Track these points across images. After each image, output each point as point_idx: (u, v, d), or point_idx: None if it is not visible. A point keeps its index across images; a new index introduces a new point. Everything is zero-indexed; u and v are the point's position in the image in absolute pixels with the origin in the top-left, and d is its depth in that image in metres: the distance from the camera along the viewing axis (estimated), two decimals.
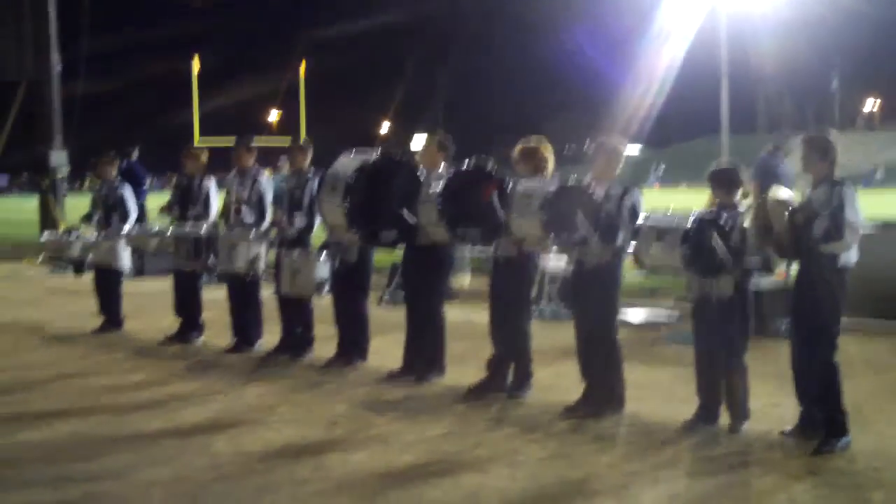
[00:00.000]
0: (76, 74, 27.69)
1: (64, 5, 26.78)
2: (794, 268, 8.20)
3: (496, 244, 9.74)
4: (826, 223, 7.55)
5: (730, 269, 8.11)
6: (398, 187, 9.97)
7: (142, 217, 21.58)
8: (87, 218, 13.97)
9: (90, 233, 13.95)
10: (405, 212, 9.85)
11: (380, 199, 9.91)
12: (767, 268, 8.37)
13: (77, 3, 27.85)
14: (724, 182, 8.45)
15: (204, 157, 12.90)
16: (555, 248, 9.49)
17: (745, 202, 8.38)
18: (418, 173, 10.09)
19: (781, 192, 8.08)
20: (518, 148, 9.73)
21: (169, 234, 12.56)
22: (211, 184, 12.62)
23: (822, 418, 7.83)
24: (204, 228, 12.13)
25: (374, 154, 10.16)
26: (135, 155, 22.88)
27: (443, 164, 10.26)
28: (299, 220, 11.18)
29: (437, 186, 9.62)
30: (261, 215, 11.74)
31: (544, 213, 8.74)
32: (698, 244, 8.08)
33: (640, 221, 8.54)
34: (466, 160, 9.95)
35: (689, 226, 8.12)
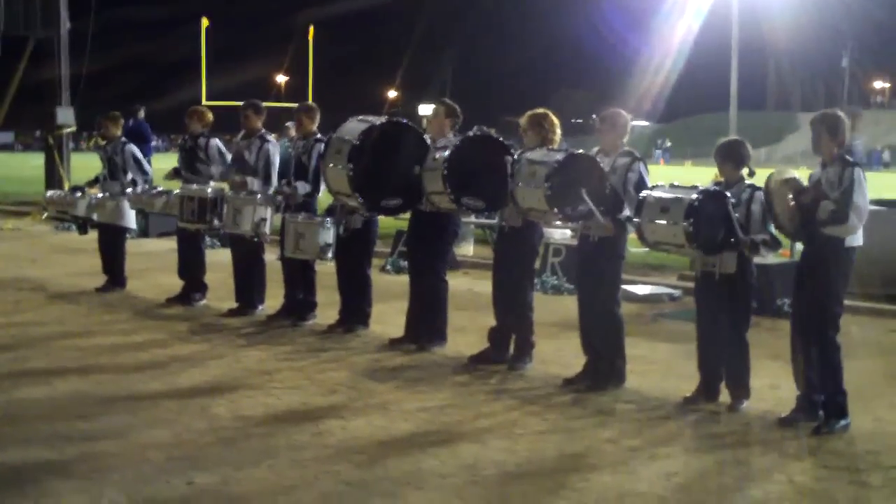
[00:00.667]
0: (84, 37, 27.56)
1: None
2: (799, 247, 8.17)
3: (501, 213, 9.72)
4: (832, 205, 7.51)
5: (735, 246, 8.08)
6: (405, 153, 9.90)
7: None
8: (93, 181, 13.93)
9: (95, 191, 13.89)
10: (416, 168, 9.72)
11: (385, 164, 9.85)
12: (774, 245, 8.33)
13: None
14: (730, 157, 8.40)
15: (209, 116, 12.84)
16: (558, 221, 9.44)
17: (749, 179, 8.33)
18: (425, 138, 10.05)
19: (787, 172, 8.03)
20: (527, 115, 9.69)
21: (175, 193, 12.49)
22: (218, 142, 12.59)
23: (822, 399, 7.82)
24: (210, 189, 12.05)
25: (380, 119, 10.10)
26: (141, 114, 22.85)
27: (450, 132, 10.22)
28: (302, 187, 11.12)
29: (444, 153, 9.56)
30: (267, 178, 11.69)
31: (549, 186, 8.68)
32: (703, 219, 8.04)
33: (643, 194, 8.48)
34: (473, 129, 9.92)
35: (693, 199, 8.07)
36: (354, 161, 9.65)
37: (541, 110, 9.68)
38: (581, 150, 9.25)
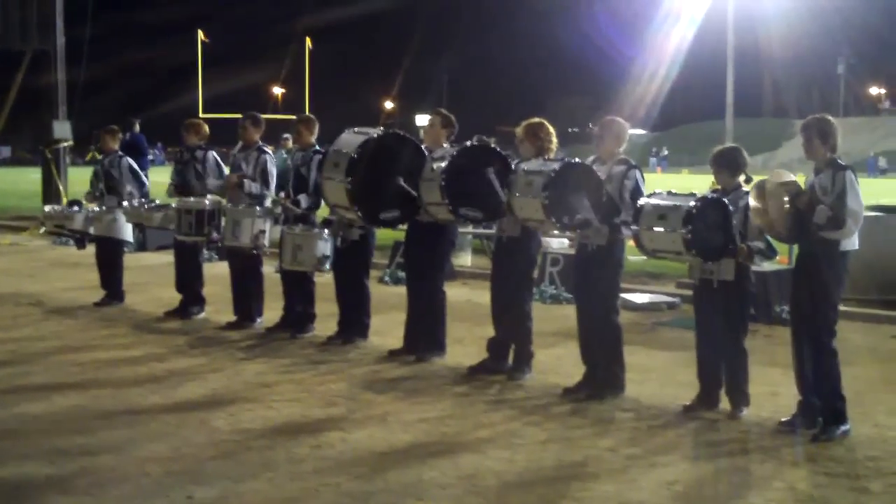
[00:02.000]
0: (80, 50, 27.60)
1: None
2: (794, 254, 8.18)
3: (499, 223, 9.72)
4: (827, 210, 7.52)
5: (733, 252, 8.09)
6: (402, 164, 9.90)
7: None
8: (90, 195, 13.92)
9: (92, 206, 13.89)
10: (401, 181, 9.73)
11: (383, 176, 9.85)
12: (770, 253, 8.34)
13: None
14: (726, 164, 8.41)
15: (205, 129, 12.85)
16: (556, 230, 9.44)
17: (746, 186, 8.34)
18: (422, 148, 10.06)
19: (784, 175, 8.03)
20: (522, 125, 9.70)
21: (173, 206, 12.46)
22: (214, 154, 12.60)
23: (821, 406, 7.82)
24: (208, 201, 12.04)
25: (377, 131, 10.10)
26: (137, 127, 22.86)
27: (446, 141, 10.23)
28: (304, 200, 11.11)
29: (441, 163, 9.55)
30: (265, 190, 11.69)
31: (546, 195, 8.68)
32: (701, 226, 8.04)
33: (641, 202, 8.49)
34: (471, 140, 9.92)
35: (691, 206, 8.08)
36: (352, 174, 9.65)
37: (536, 120, 9.69)
38: (577, 159, 9.26)
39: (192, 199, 12.18)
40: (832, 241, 7.63)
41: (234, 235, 11.61)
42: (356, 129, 10.14)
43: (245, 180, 11.39)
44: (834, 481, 6.87)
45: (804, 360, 7.88)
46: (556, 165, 8.85)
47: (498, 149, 9.75)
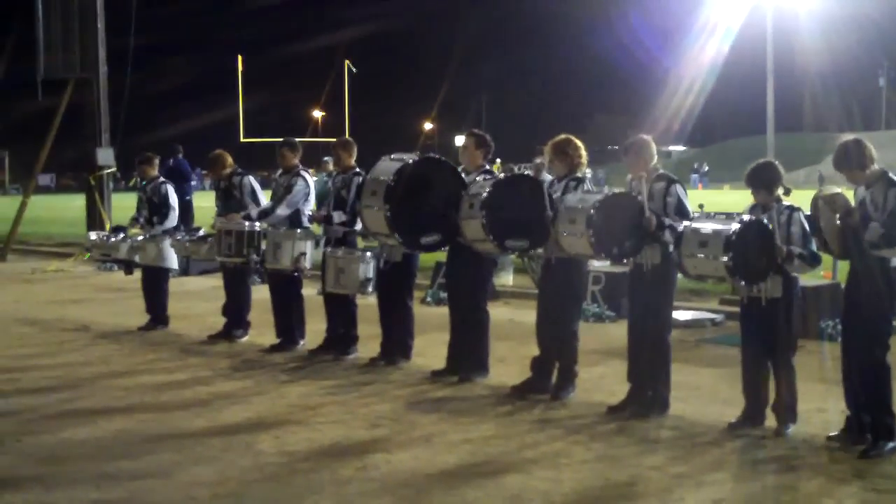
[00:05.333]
0: (123, 74, 27.87)
1: (111, 4, 26.97)
2: (841, 268, 8.10)
3: (547, 246, 9.67)
4: (880, 228, 7.43)
5: (779, 269, 8.04)
6: (440, 188, 9.93)
7: (188, 214, 21.80)
8: (134, 220, 14.02)
9: (137, 232, 14.01)
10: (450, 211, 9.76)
11: (421, 202, 9.88)
12: (811, 261, 8.21)
13: (124, 2, 28.01)
14: (760, 182, 8.35)
15: (228, 158, 12.85)
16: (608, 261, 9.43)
17: (786, 199, 8.29)
18: (459, 171, 10.08)
19: (832, 189, 7.96)
20: (549, 145, 9.74)
21: (216, 228, 12.36)
22: (252, 179, 12.64)
23: (870, 421, 7.74)
24: (247, 225, 12.04)
25: (413, 157, 10.12)
26: (181, 153, 23.11)
27: (483, 161, 10.26)
28: (338, 216, 11.14)
29: (479, 198, 9.51)
30: (291, 208, 11.71)
31: (592, 233, 8.68)
32: (742, 252, 8.02)
33: (681, 228, 8.48)
34: (503, 168, 9.96)
35: (731, 233, 8.05)
36: (391, 201, 9.68)
37: (562, 137, 9.71)
38: (614, 190, 9.27)
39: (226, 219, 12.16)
40: (883, 258, 7.56)
41: (275, 258, 11.66)
42: (393, 155, 10.16)
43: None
44: (883, 498, 6.81)
45: (853, 376, 7.81)
46: (595, 201, 8.82)
47: (531, 175, 9.75)
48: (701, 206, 9.15)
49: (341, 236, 11.30)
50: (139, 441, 8.34)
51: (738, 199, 8.23)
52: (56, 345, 12.80)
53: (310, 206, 11.90)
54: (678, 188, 8.87)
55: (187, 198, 23.05)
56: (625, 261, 9.09)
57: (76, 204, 34.97)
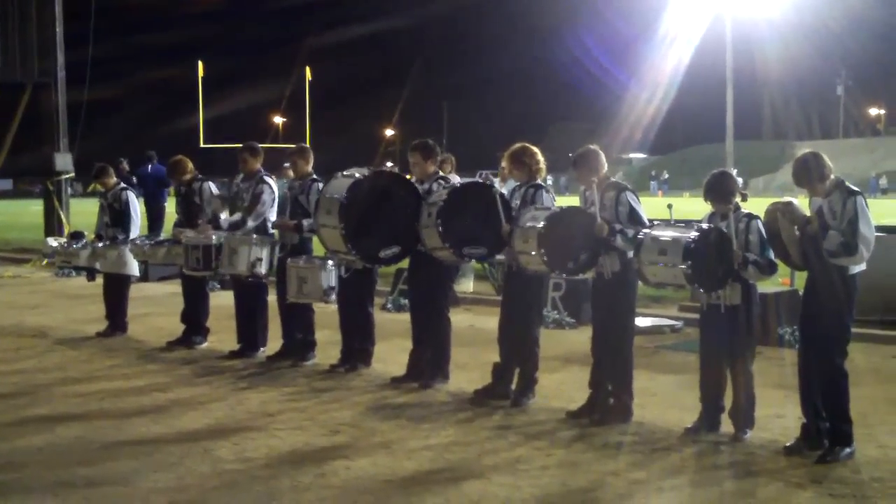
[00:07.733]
0: (81, 79, 27.70)
1: (70, 10, 26.82)
2: (799, 275, 8.16)
3: (507, 252, 9.69)
4: (839, 236, 7.50)
5: (737, 276, 8.10)
6: (396, 201, 9.93)
7: (161, 220, 21.68)
8: (98, 237, 13.91)
9: (94, 239, 13.91)
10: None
11: (377, 216, 9.88)
12: (767, 269, 8.26)
13: (83, 8, 27.89)
14: (716, 193, 8.41)
15: (189, 164, 12.83)
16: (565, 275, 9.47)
17: (744, 205, 8.35)
18: (413, 182, 10.12)
19: (786, 199, 8.02)
20: (506, 154, 9.79)
21: (183, 242, 12.34)
22: (211, 184, 12.60)
23: (828, 427, 7.80)
24: (214, 236, 11.95)
25: (364, 172, 10.12)
26: (155, 159, 22.99)
27: (433, 167, 10.29)
28: (307, 224, 11.09)
29: (435, 207, 9.55)
30: (259, 218, 11.66)
31: (544, 252, 8.76)
32: (701, 259, 8.07)
33: (631, 234, 8.55)
34: (477, 176, 10.00)
35: (690, 240, 8.10)
36: (345, 220, 9.68)
37: (518, 145, 9.74)
38: (562, 206, 9.30)
39: (195, 233, 12.10)
40: (841, 266, 7.62)
41: (230, 263, 11.61)
42: (344, 172, 10.16)
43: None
44: (839, 502, 6.86)
45: (811, 382, 7.86)
46: (542, 222, 8.89)
47: (489, 183, 9.77)
48: (670, 206, 9.17)
49: (297, 242, 11.28)
50: (97, 448, 8.28)
51: (699, 207, 8.29)
52: (13, 351, 12.69)
53: (273, 213, 11.86)
54: (629, 196, 8.90)
55: (164, 203, 22.97)
56: (580, 274, 9.14)
57: (34, 209, 34.73)
